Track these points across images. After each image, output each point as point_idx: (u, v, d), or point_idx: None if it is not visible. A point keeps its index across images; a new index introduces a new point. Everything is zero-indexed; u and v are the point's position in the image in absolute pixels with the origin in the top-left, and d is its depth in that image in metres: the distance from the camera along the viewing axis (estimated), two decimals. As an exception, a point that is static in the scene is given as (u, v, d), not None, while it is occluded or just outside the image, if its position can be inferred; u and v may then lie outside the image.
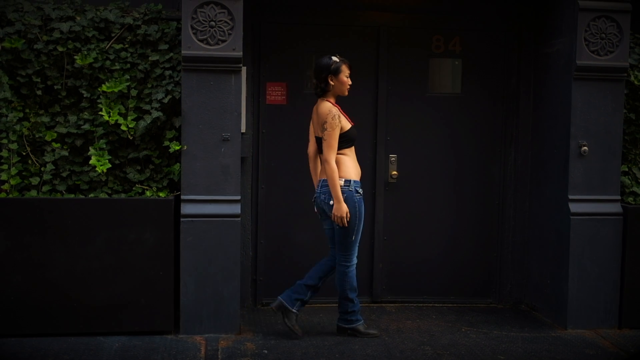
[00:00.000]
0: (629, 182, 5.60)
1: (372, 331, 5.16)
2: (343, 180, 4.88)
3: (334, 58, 4.95)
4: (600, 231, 5.40)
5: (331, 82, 4.92)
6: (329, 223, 5.00)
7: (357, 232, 4.93)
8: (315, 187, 5.09)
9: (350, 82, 4.99)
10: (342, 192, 4.85)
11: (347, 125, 4.93)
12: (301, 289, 5.05)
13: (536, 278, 5.86)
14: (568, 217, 5.37)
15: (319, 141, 4.96)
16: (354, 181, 4.93)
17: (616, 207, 5.44)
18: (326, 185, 4.90)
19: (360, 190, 4.96)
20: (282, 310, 5.05)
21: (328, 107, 4.89)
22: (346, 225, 4.84)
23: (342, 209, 4.82)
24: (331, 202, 4.87)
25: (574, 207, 5.37)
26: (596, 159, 5.40)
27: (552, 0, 5.61)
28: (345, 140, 4.91)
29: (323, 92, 4.95)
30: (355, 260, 5.02)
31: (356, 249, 5.01)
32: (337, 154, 4.88)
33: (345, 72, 4.94)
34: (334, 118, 4.84)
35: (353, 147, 5.01)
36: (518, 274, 6.06)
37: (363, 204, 4.97)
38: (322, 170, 5.00)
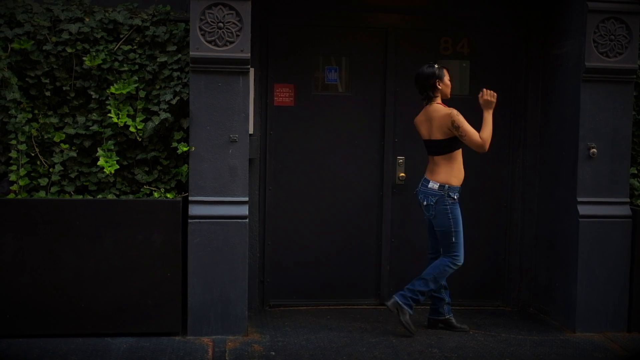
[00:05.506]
0: (638, 184, 5.57)
1: (464, 326, 5.37)
2: (438, 184, 5.11)
3: (436, 65, 5.24)
4: (609, 234, 5.37)
5: (439, 87, 5.20)
6: (429, 219, 5.26)
7: (456, 234, 5.12)
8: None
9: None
10: (434, 196, 5.11)
11: None
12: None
13: (544, 281, 5.84)
14: (576, 220, 5.35)
15: (429, 143, 5.21)
16: (449, 186, 5.11)
17: (625, 210, 5.41)
18: (426, 184, 5.17)
19: (455, 196, 5.11)
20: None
21: (445, 109, 5.15)
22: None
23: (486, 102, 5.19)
24: (425, 203, 5.17)
25: (582, 210, 5.35)
26: (605, 161, 5.38)
27: (561, 2, 5.59)
28: (459, 142, 5.16)
29: (432, 98, 5.22)
30: (461, 262, 5.16)
31: (460, 250, 5.16)
32: (448, 154, 5.15)
33: (447, 75, 5.24)
34: (458, 114, 5.09)
35: (461, 150, 5.21)
36: (526, 277, 6.04)
37: (457, 207, 5.12)
38: (427, 169, 5.24)
